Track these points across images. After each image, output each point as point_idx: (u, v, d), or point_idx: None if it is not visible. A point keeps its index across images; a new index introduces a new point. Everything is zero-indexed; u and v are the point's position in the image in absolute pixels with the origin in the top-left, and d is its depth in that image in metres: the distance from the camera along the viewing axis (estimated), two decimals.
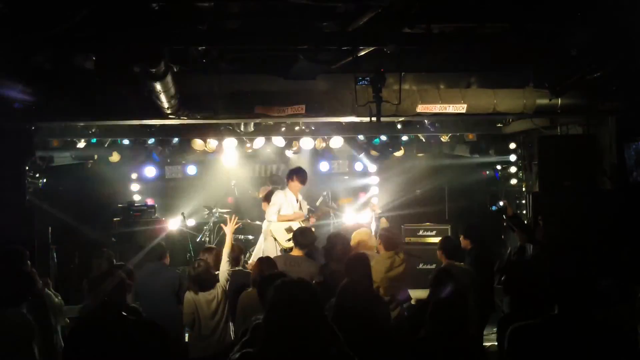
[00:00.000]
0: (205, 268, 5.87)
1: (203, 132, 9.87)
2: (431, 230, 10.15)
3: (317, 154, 11.34)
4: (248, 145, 10.68)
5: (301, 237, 6.51)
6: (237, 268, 6.42)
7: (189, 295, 5.81)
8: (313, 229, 7.93)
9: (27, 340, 4.46)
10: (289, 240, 8.15)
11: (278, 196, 8.40)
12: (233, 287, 6.03)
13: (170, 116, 7.45)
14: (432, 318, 3.85)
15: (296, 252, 6.50)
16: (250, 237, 10.01)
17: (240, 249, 6.68)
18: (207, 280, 5.83)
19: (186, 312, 5.78)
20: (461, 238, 7.00)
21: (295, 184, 8.33)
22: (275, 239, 8.25)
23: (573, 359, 2.66)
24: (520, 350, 2.70)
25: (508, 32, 5.80)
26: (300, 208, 8.39)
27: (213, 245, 8.40)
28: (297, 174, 8.38)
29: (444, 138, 10.76)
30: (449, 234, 9.83)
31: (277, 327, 2.58)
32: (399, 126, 9.88)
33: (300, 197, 8.47)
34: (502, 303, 7.13)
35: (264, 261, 5.72)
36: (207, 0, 5.09)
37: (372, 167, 11.94)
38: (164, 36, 5.30)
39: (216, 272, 6.52)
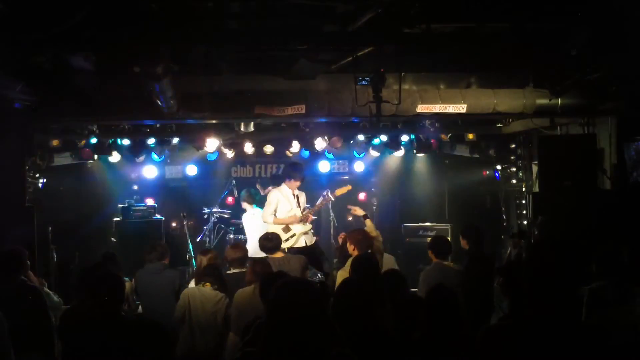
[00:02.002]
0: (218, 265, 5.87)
1: (203, 132, 9.87)
2: (431, 230, 10.15)
3: (317, 154, 11.34)
4: (248, 145, 10.68)
5: (267, 242, 6.63)
6: (240, 270, 6.37)
7: (186, 290, 5.77)
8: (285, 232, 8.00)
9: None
10: (287, 240, 8.15)
11: (273, 195, 8.36)
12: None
13: (170, 116, 7.45)
14: (425, 319, 3.84)
15: (278, 254, 6.56)
16: None
17: (245, 250, 6.63)
18: (213, 276, 5.79)
19: (179, 304, 5.70)
20: (460, 238, 7.00)
21: (293, 183, 8.29)
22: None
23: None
24: (490, 353, 2.64)
25: (508, 32, 5.80)
26: (298, 202, 8.34)
27: (211, 248, 8.40)
28: (294, 170, 8.33)
29: (444, 138, 10.76)
30: (449, 234, 9.84)
31: (278, 327, 2.58)
32: (399, 126, 9.88)
33: (297, 191, 8.41)
34: (502, 303, 7.14)
35: (258, 262, 5.72)
36: (207, 0, 5.09)
37: (372, 167, 11.94)
38: (164, 36, 5.30)
39: None
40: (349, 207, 8.14)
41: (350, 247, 6.21)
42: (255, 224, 9.06)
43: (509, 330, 2.62)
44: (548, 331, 2.52)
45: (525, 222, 10.25)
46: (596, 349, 2.53)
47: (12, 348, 4.35)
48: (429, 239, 9.85)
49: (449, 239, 8.48)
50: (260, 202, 9.26)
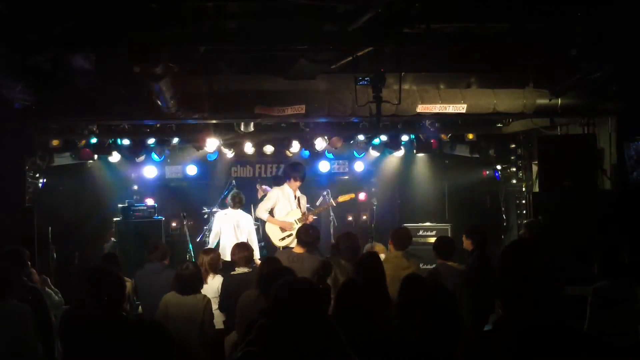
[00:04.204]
0: (191, 271, 5.73)
1: (203, 132, 9.86)
2: (431, 230, 10.16)
3: (317, 154, 11.34)
4: (248, 145, 10.68)
5: (305, 235, 6.49)
6: (245, 269, 6.35)
7: (165, 297, 5.64)
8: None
9: (25, 325, 4.60)
10: (282, 239, 8.14)
11: (273, 192, 8.35)
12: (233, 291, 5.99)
13: (170, 116, 7.45)
14: (421, 320, 3.84)
15: (298, 249, 6.50)
16: None
17: (251, 250, 6.54)
18: (189, 285, 5.65)
19: (158, 312, 5.59)
20: (464, 238, 7.00)
21: (293, 183, 8.28)
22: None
23: None
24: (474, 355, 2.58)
25: (508, 32, 5.80)
26: (299, 204, 8.33)
27: (213, 248, 8.39)
28: (295, 170, 8.32)
29: (444, 138, 10.76)
30: (449, 234, 9.83)
31: (278, 326, 2.58)
32: (399, 126, 9.88)
33: (299, 193, 8.39)
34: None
35: (271, 261, 5.68)
36: (207, 0, 5.09)
37: (372, 167, 11.93)
38: (164, 36, 5.30)
39: (213, 275, 6.48)
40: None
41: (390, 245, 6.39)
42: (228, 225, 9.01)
43: (490, 338, 2.55)
44: (532, 337, 2.45)
45: (525, 222, 10.24)
46: (585, 353, 2.47)
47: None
48: (430, 239, 9.96)
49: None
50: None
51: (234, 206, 8.81)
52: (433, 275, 6.12)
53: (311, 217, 8.47)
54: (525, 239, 6.10)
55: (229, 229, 8.69)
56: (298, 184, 8.31)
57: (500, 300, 3.90)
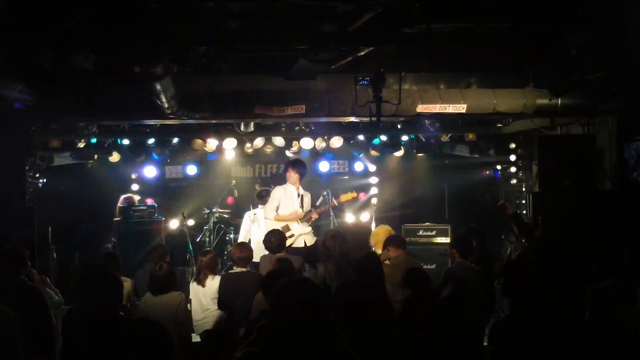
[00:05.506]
0: (165, 271, 5.68)
1: (203, 132, 9.87)
2: (431, 230, 10.15)
3: (317, 154, 11.34)
4: (248, 145, 10.69)
5: (269, 242, 6.66)
6: (244, 269, 6.36)
7: (143, 299, 5.66)
8: (288, 232, 7.91)
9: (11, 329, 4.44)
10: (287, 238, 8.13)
11: (276, 192, 8.31)
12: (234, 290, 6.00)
13: (170, 116, 7.45)
14: (427, 319, 3.83)
15: (278, 254, 6.56)
16: None
17: (251, 250, 6.57)
18: (165, 284, 5.62)
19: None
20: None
21: (292, 175, 8.22)
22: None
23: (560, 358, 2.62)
24: (506, 347, 2.67)
25: (508, 32, 5.80)
26: (302, 202, 8.28)
27: (210, 249, 8.38)
28: (294, 165, 8.28)
29: (444, 138, 10.76)
30: (449, 234, 9.84)
31: (280, 326, 2.58)
32: (399, 126, 9.87)
33: (302, 191, 8.35)
34: (502, 303, 7.14)
35: (284, 261, 5.68)
36: (207, 0, 5.09)
37: (372, 167, 11.94)
38: (164, 36, 5.30)
39: (213, 276, 6.48)
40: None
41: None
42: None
43: (526, 327, 2.63)
44: (564, 329, 2.53)
45: (525, 222, 10.24)
46: (611, 346, 2.55)
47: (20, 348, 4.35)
48: (431, 239, 9.97)
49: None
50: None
51: (262, 201, 8.79)
52: (451, 274, 6.09)
53: (315, 215, 8.41)
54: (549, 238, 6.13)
55: (260, 228, 8.62)
56: (297, 177, 8.23)
57: (512, 297, 3.93)
